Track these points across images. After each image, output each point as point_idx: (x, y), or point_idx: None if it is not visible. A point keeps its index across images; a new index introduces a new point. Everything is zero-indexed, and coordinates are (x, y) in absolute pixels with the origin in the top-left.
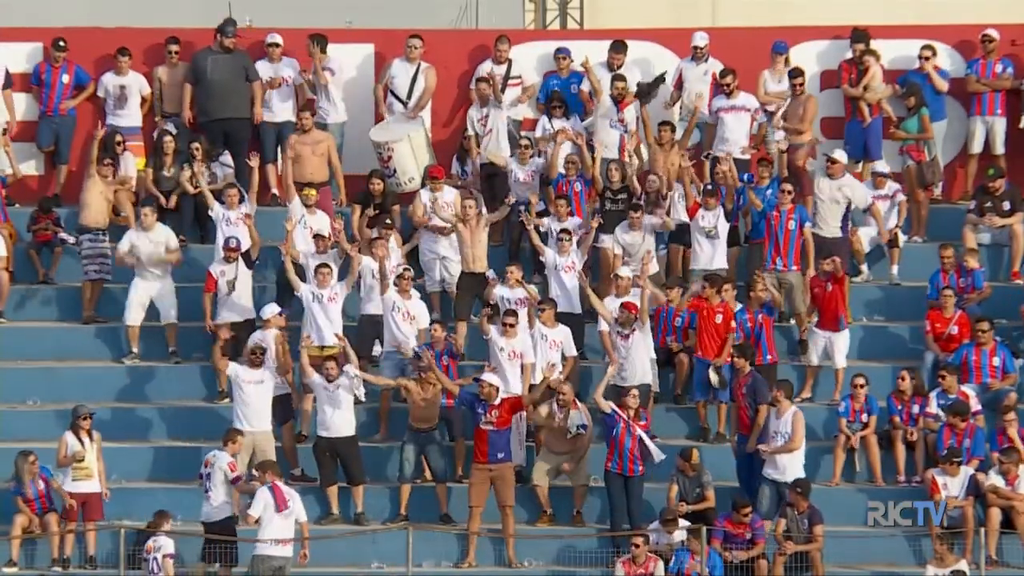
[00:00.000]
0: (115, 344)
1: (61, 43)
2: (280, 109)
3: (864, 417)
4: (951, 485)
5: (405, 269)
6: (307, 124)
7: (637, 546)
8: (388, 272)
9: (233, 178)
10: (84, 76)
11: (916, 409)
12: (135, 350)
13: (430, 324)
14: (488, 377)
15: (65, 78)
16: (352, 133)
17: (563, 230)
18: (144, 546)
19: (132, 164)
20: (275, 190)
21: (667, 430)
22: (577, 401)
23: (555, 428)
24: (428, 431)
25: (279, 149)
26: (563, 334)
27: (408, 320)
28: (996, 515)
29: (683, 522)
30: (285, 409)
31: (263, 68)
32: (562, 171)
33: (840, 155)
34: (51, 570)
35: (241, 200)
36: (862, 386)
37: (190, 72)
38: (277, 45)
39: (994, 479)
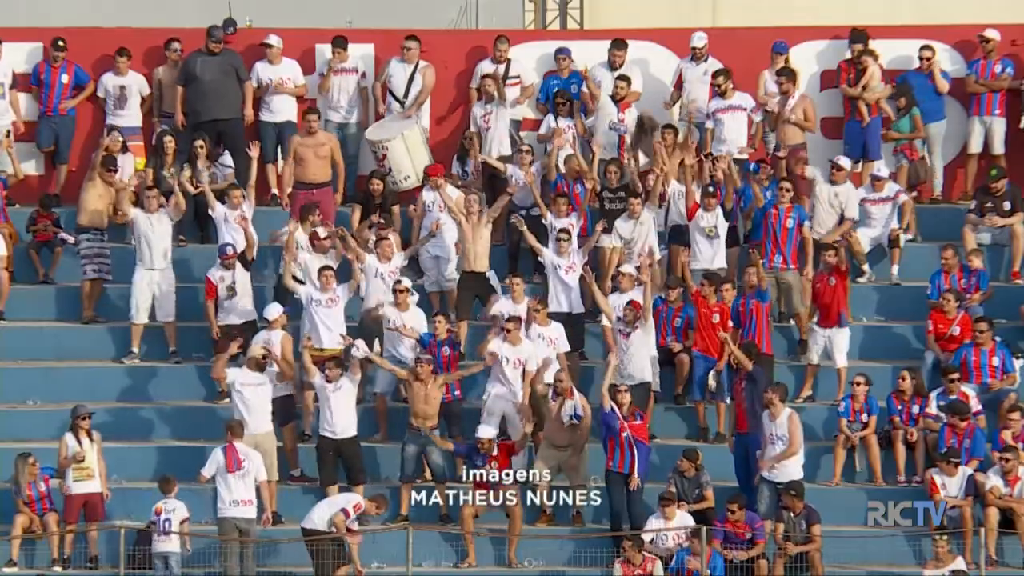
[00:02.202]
0: (115, 344)
1: (60, 43)
2: (280, 109)
3: (864, 417)
4: (949, 485)
5: (398, 282)
6: (314, 127)
7: (626, 548)
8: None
9: (233, 179)
10: (84, 76)
11: (916, 409)
12: (135, 350)
13: (433, 316)
14: (484, 433)
15: (64, 78)
16: (354, 132)
17: (562, 230)
18: (153, 508)
19: (131, 164)
20: (275, 190)
21: (667, 430)
22: (574, 391)
23: (552, 419)
24: (425, 432)
25: (279, 149)
26: (557, 331)
27: (403, 329)
28: (994, 515)
29: (685, 516)
30: (287, 410)
31: (263, 69)
32: (562, 170)
33: (845, 162)
34: (51, 570)
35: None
36: (859, 384)
37: (181, 74)
38: (271, 46)
39: (994, 479)
